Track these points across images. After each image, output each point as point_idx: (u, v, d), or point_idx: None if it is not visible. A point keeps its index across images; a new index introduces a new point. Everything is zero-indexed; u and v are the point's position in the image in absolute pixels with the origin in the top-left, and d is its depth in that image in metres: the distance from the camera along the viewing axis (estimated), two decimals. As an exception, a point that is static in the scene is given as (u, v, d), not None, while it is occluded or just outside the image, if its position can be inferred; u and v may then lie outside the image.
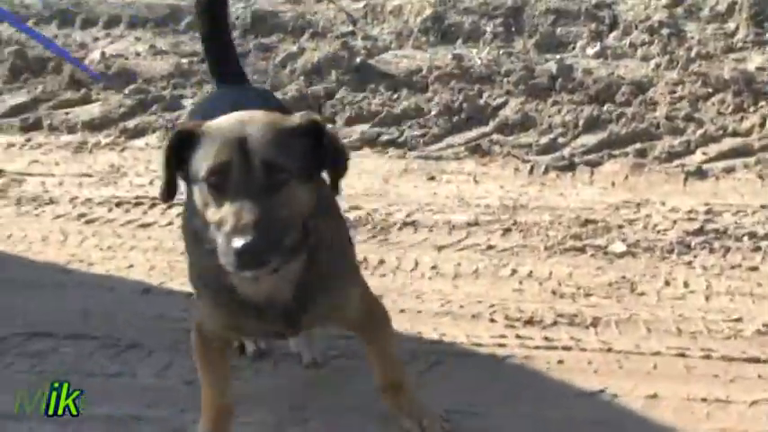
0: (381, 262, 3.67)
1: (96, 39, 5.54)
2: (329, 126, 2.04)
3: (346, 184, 2.48)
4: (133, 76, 5.07)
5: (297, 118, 2.18)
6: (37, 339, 3.34)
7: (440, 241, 3.78)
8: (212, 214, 2.07)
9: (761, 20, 5.04)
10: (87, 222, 4.00)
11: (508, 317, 3.35)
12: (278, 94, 4.74)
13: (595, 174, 4.17)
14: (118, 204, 4.11)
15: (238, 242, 1.99)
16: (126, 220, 4.01)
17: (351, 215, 3.93)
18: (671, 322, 3.30)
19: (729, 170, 4.16)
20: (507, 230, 3.82)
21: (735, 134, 4.35)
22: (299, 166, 2.11)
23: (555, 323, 3.32)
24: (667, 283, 3.50)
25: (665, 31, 5.03)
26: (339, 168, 2.22)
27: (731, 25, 5.10)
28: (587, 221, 3.83)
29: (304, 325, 2.44)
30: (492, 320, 3.35)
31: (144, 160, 4.43)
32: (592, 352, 3.19)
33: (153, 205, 4.07)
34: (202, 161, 2.07)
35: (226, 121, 2.15)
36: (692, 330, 3.26)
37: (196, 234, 2.23)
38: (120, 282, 3.65)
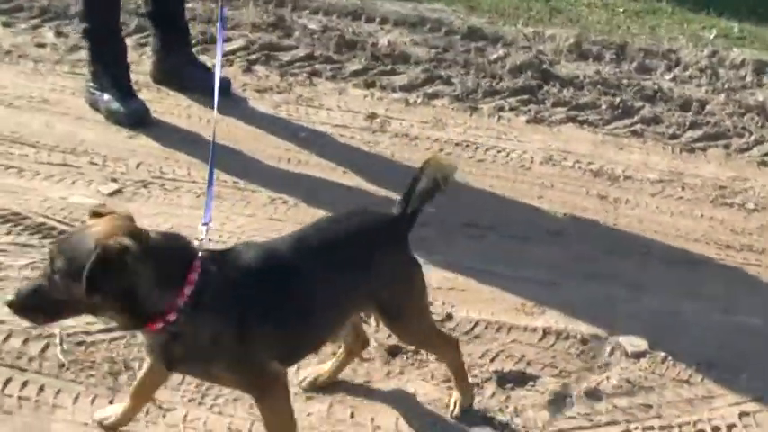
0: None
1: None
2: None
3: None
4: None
5: (93, 245, 1.85)
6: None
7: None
8: None
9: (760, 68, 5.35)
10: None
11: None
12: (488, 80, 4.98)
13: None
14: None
15: (9, 296, 1.95)
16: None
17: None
18: None
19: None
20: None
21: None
22: (69, 269, 1.85)
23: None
24: None
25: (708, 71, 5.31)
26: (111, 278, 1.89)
27: (742, 72, 5.38)
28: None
29: (181, 372, 2.23)
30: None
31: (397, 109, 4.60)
32: None
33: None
34: None
35: (80, 227, 2.04)
36: None
37: None
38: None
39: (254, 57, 4.96)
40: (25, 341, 2.68)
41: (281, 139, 4.11)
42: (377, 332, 2.87)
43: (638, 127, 4.66)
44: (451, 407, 2.56)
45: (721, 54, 5.38)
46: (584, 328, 3.00)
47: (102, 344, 2.72)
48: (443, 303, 3.07)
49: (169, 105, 4.31)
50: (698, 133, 4.65)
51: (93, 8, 4.01)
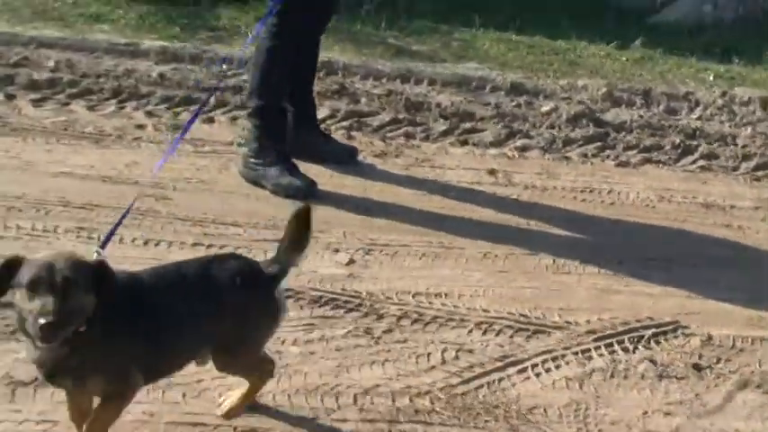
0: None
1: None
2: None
3: None
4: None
5: (89, 261, 2.36)
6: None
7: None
8: (26, 306, 2.22)
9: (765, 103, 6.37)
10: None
11: None
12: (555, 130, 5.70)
13: None
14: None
15: (42, 320, 2.17)
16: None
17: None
18: None
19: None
20: None
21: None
22: (84, 284, 2.26)
23: None
24: None
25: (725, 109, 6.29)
26: (108, 289, 2.32)
27: (751, 107, 6.40)
28: None
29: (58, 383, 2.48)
30: None
31: (505, 164, 5.27)
32: None
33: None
34: (25, 275, 2.23)
35: (41, 256, 2.33)
36: None
37: None
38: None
39: (345, 124, 5.40)
40: (411, 399, 3.05)
41: (436, 196, 4.60)
42: (669, 355, 3.46)
43: (703, 163, 5.51)
44: (224, 405, 2.82)
45: (730, 93, 6.38)
46: (815, 331, 3.72)
47: (472, 392, 3.13)
48: (698, 326, 3.69)
49: (315, 176, 4.65)
50: (751, 164, 5.57)
51: (269, 86, 4.34)
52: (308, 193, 4.37)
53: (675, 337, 3.60)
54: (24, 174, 4.34)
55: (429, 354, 3.30)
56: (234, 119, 5.28)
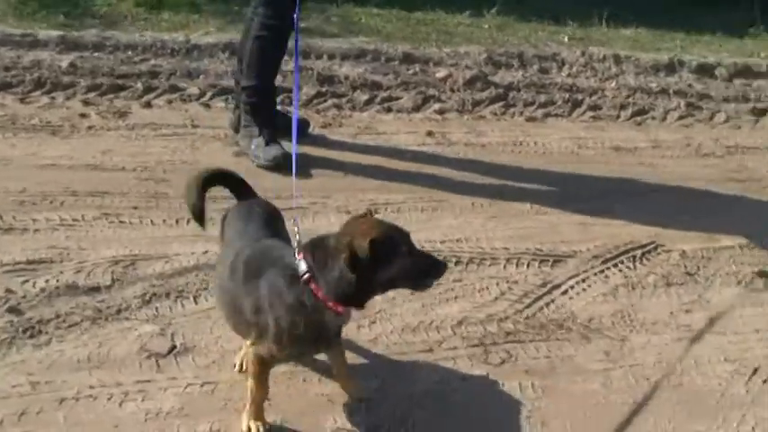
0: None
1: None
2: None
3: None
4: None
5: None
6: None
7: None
8: (410, 265, 2.63)
9: (617, 60, 7.41)
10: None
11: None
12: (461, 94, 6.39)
13: (653, 126, 6.43)
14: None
15: (443, 264, 2.73)
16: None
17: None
18: None
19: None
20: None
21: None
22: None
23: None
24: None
25: (588, 66, 7.24)
26: None
27: (606, 64, 7.41)
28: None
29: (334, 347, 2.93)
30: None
31: (433, 126, 5.93)
32: None
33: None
34: (399, 243, 2.65)
35: (388, 226, 2.75)
36: None
37: (297, 295, 2.66)
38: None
39: (278, 99, 5.75)
40: (498, 324, 3.61)
41: (395, 160, 5.11)
42: (663, 267, 4.23)
43: (591, 114, 6.38)
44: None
45: (587, 53, 7.34)
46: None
47: (538, 313, 3.74)
48: (671, 243, 4.49)
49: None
50: (629, 112, 6.50)
51: (257, 69, 4.70)
52: (285, 164, 4.73)
53: (659, 254, 4.36)
54: (8, 169, 4.41)
55: (487, 288, 3.85)
56: (169, 102, 5.50)
